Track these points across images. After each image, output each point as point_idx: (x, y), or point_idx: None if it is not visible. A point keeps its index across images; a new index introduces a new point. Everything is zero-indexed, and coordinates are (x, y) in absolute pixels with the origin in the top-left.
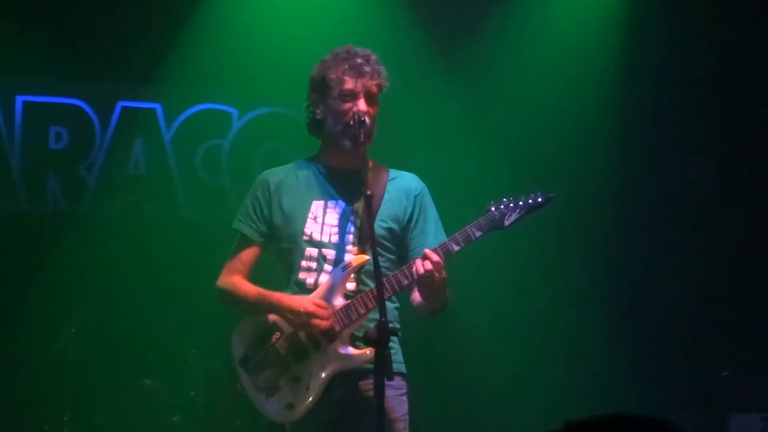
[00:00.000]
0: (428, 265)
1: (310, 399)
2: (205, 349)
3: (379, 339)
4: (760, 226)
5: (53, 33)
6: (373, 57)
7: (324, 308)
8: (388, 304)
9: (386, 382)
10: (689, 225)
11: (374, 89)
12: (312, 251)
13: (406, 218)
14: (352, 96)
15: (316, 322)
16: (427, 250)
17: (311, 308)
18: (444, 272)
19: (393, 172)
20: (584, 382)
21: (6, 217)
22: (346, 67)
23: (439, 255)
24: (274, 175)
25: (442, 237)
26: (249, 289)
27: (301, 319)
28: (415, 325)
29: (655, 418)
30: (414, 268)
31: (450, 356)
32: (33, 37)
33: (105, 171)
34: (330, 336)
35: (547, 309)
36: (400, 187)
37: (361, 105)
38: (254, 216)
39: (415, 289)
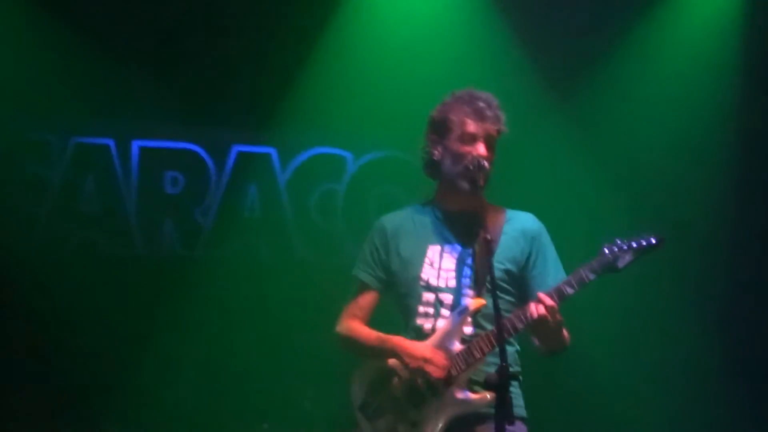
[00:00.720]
0: (542, 309)
1: None
2: (322, 393)
3: (500, 383)
4: None
5: (169, 78)
6: (495, 102)
7: (442, 356)
8: (507, 347)
9: (507, 427)
10: None
11: (494, 134)
12: (429, 296)
13: (524, 259)
14: (473, 139)
15: (432, 369)
16: (540, 294)
17: (428, 354)
18: (559, 316)
19: (509, 213)
20: (699, 420)
21: (123, 262)
22: (469, 110)
23: (553, 298)
24: (390, 220)
25: (562, 277)
26: (369, 333)
27: (418, 364)
28: (536, 369)
29: None
30: (528, 312)
31: (571, 400)
32: (150, 81)
33: (220, 215)
34: (448, 381)
35: (666, 349)
36: (517, 228)
37: (481, 149)
38: (372, 262)
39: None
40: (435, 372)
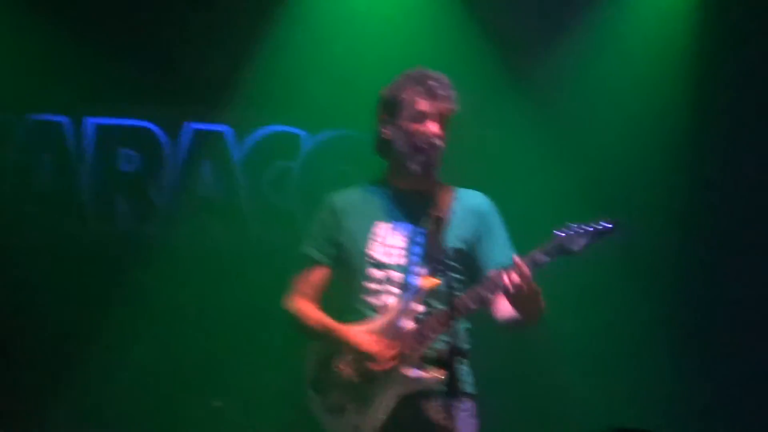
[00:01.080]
0: (515, 278)
1: (377, 421)
2: (275, 369)
3: (450, 361)
4: None
5: (124, 56)
6: (446, 80)
7: (386, 349)
8: (458, 325)
9: (455, 403)
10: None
11: (446, 113)
12: (377, 274)
13: (474, 237)
14: (425, 118)
15: (376, 367)
16: (516, 259)
17: (374, 349)
18: (534, 284)
19: (459, 191)
20: (655, 402)
21: (75, 239)
22: (420, 88)
23: (528, 265)
24: (340, 197)
25: (510, 256)
26: (315, 318)
27: (363, 359)
28: (484, 347)
29: None
30: (500, 281)
31: (519, 378)
32: (104, 60)
33: (174, 193)
34: (398, 360)
35: (619, 330)
36: (467, 206)
37: (433, 127)
38: (321, 239)
39: (498, 305)
40: (379, 369)
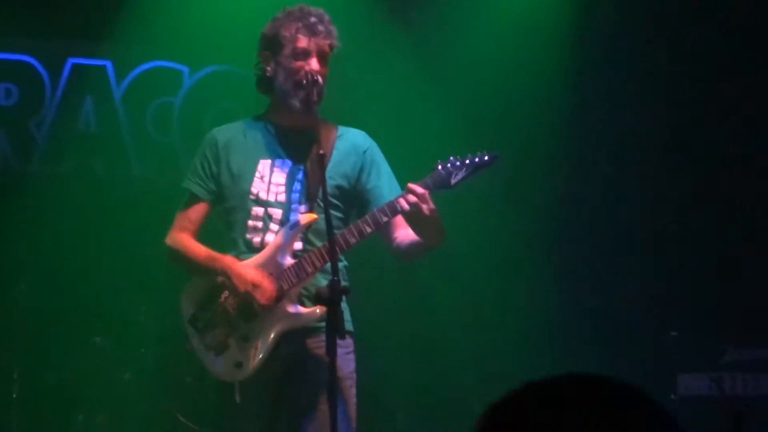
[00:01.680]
0: (412, 198)
1: (259, 357)
2: (155, 307)
3: (331, 298)
4: (710, 193)
5: None
6: (327, 17)
7: (270, 281)
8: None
9: (336, 340)
10: (643, 190)
11: (327, 49)
12: (258, 210)
13: (356, 174)
14: (305, 54)
15: (260, 295)
16: (410, 185)
17: (257, 279)
18: (432, 204)
19: (341, 129)
20: (534, 342)
21: None
22: (300, 25)
23: (423, 188)
24: (222, 133)
25: (397, 191)
26: (198, 250)
27: (246, 288)
28: (361, 285)
29: (609, 378)
30: (398, 206)
31: (398, 314)
32: None
33: (55, 128)
34: (278, 296)
35: (499, 268)
36: (348, 144)
37: (314, 64)
38: (203, 174)
39: (396, 233)
40: (263, 298)
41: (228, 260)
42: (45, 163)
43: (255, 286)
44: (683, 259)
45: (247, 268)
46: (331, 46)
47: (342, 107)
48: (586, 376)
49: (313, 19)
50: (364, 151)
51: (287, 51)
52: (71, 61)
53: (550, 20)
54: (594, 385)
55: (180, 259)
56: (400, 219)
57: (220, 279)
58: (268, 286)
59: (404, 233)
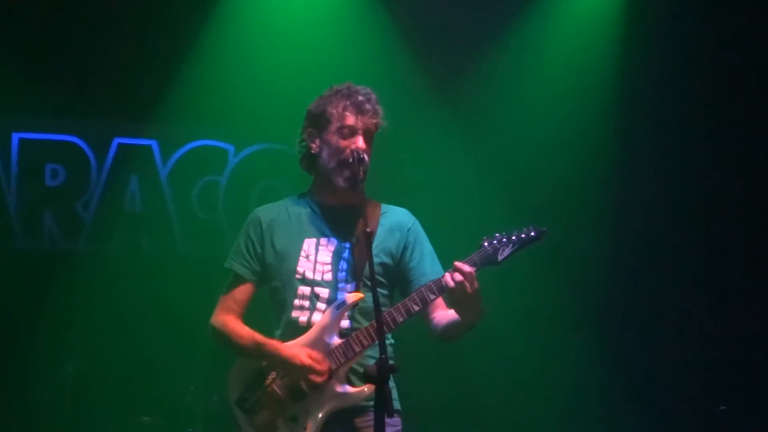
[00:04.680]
0: (458, 277)
1: None
2: (203, 386)
3: (379, 376)
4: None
5: (49, 70)
6: (373, 96)
7: (319, 362)
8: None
9: (385, 420)
10: (687, 260)
11: (373, 128)
12: (305, 290)
13: (400, 251)
14: (352, 132)
15: (312, 377)
16: (457, 263)
17: (307, 362)
18: (477, 283)
19: (384, 207)
20: (582, 414)
21: (2, 255)
22: (348, 103)
23: (470, 266)
24: (266, 212)
25: (439, 269)
26: (244, 333)
27: (296, 373)
28: (407, 363)
29: None
30: (444, 282)
31: (444, 393)
32: (29, 73)
33: (101, 208)
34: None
35: (545, 345)
36: (392, 222)
37: (360, 142)
38: (247, 254)
39: (434, 313)
40: (316, 377)
41: (274, 345)
42: (92, 242)
43: (306, 369)
44: (731, 329)
45: (295, 349)
46: (377, 125)
47: (384, 184)
48: None
49: (360, 98)
50: (408, 229)
51: (333, 128)
52: (117, 141)
53: (595, 91)
54: None
55: (225, 341)
56: (439, 299)
57: (265, 363)
58: (320, 366)
59: (442, 314)
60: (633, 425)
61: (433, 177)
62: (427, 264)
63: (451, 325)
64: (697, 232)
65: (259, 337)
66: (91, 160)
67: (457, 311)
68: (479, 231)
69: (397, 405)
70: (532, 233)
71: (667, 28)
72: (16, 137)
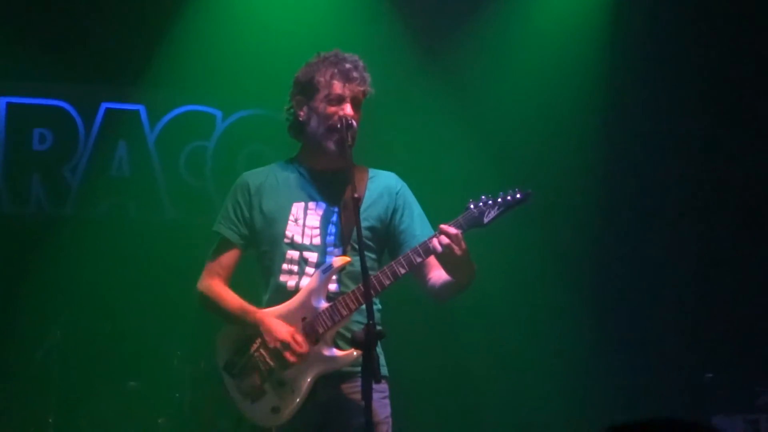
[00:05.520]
0: (445, 240)
1: (296, 402)
2: (190, 351)
3: (367, 341)
4: (749, 226)
5: (37, 35)
6: (361, 63)
7: (299, 344)
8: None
9: (372, 385)
10: (677, 224)
11: (360, 95)
12: (293, 254)
13: (389, 215)
14: (339, 100)
15: (288, 355)
16: (442, 226)
17: (288, 339)
18: (464, 244)
19: (372, 171)
20: (570, 384)
21: None
22: (335, 71)
23: (456, 228)
24: (254, 177)
25: (429, 231)
26: (230, 299)
27: (275, 345)
28: (394, 328)
29: (693, 422)
30: (431, 246)
31: (431, 359)
32: (17, 39)
33: (88, 173)
34: (313, 338)
35: (534, 310)
36: (380, 186)
37: (348, 109)
38: (234, 218)
39: (430, 274)
40: (292, 357)
41: (259, 315)
42: (79, 207)
43: (285, 344)
44: (720, 298)
45: (279, 325)
46: (364, 93)
47: (372, 149)
48: (670, 421)
49: (348, 66)
50: (396, 193)
51: (321, 96)
52: (105, 105)
53: (583, 59)
54: (681, 428)
55: (211, 307)
56: (432, 259)
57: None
58: (297, 346)
59: (437, 274)
60: (620, 393)
61: (421, 141)
62: (416, 226)
63: (446, 286)
64: (686, 195)
65: (245, 305)
66: (79, 124)
67: (448, 273)
68: (466, 194)
69: (384, 371)
70: (518, 195)
71: (656, 15)
72: (3, 101)
